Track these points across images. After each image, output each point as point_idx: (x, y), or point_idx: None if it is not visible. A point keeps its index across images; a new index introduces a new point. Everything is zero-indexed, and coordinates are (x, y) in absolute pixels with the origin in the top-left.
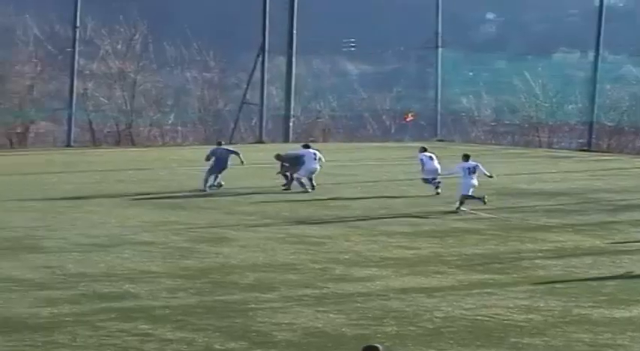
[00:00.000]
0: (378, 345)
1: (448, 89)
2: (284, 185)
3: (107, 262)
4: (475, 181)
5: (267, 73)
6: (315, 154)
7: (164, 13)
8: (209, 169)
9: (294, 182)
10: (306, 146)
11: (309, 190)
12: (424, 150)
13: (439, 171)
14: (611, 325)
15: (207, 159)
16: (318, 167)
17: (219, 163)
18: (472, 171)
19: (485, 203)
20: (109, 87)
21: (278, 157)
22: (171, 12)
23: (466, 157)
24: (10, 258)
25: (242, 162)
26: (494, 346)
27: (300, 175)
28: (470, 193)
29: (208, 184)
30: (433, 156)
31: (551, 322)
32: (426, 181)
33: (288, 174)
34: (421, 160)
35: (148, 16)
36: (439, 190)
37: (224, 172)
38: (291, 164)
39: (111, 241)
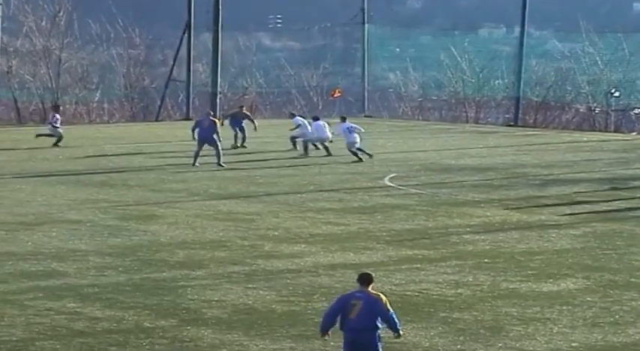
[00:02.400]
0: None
1: (375, 65)
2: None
3: (34, 241)
4: (357, 138)
5: (193, 50)
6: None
7: None
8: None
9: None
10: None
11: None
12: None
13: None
14: (539, 299)
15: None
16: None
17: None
18: (352, 130)
19: (370, 156)
20: (33, 64)
21: None
22: None
23: (343, 119)
24: None
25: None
26: (424, 321)
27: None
28: (354, 149)
29: None
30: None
31: (479, 296)
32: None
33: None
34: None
35: None
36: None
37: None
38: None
39: (38, 220)
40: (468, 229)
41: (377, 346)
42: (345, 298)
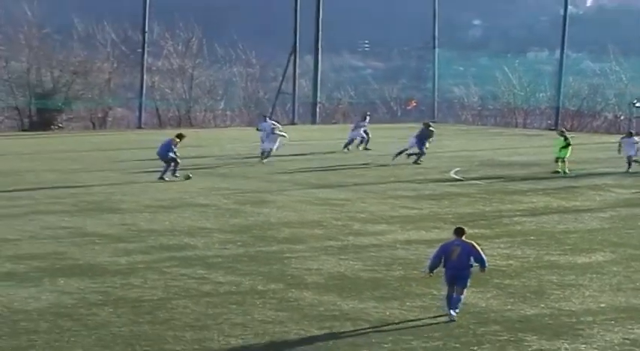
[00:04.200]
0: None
1: (443, 81)
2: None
3: (171, 221)
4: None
5: (298, 68)
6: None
7: (215, 20)
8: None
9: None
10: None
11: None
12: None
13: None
14: (574, 269)
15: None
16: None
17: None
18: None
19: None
20: (171, 80)
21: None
22: (220, 19)
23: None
24: (93, 217)
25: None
26: (481, 286)
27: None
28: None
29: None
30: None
31: (526, 267)
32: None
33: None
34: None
35: (202, 22)
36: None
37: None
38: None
39: (174, 204)
40: (518, 212)
41: (469, 279)
42: (446, 245)
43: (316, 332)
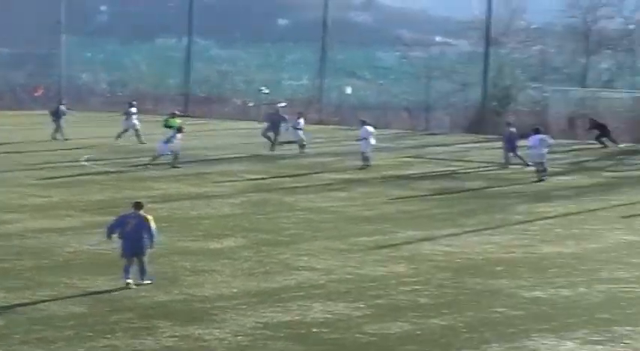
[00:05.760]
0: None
1: (71, 67)
2: None
3: None
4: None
5: None
6: None
7: None
8: None
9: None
10: None
11: None
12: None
13: None
14: (206, 255)
15: None
16: None
17: None
18: None
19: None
20: None
21: None
22: None
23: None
24: None
25: None
26: (116, 273)
27: None
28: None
29: None
30: None
31: (159, 253)
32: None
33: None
34: None
35: None
36: None
37: None
38: None
39: None
40: (149, 199)
41: (145, 249)
42: (123, 216)
43: None
